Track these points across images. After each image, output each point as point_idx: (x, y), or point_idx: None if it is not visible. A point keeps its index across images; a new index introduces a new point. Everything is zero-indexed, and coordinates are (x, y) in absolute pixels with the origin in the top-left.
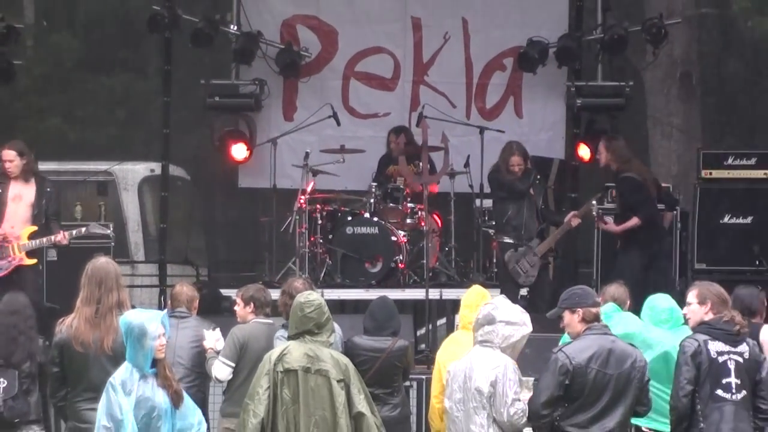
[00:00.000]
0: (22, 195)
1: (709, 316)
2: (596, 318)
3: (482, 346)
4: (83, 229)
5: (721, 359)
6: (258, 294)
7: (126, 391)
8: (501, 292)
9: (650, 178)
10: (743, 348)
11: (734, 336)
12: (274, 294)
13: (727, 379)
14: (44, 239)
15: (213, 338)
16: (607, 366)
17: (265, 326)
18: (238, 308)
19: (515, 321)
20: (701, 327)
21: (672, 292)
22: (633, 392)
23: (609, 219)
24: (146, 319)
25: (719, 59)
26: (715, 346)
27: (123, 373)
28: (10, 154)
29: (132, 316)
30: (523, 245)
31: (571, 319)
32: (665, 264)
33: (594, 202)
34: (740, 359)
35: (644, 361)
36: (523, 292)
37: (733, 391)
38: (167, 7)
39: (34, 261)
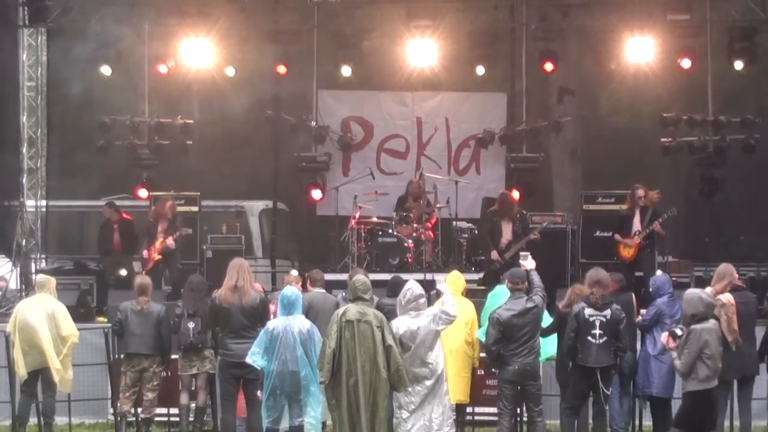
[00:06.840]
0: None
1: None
2: (515, 289)
3: (416, 313)
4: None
5: (591, 319)
6: (317, 275)
7: None
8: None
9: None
10: (607, 312)
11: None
12: (336, 276)
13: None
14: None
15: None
16: (523, 318)
17: (321, 294)
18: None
19: (425, 294)
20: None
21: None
22: (537, 331)
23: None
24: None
25: (594, 141)
26: (588, 311)
27: None
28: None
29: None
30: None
31: None
32: None
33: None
34: (604, 319)
35: (539, 304)
36: None
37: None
38: (275, 110)
39: (159, 256)
